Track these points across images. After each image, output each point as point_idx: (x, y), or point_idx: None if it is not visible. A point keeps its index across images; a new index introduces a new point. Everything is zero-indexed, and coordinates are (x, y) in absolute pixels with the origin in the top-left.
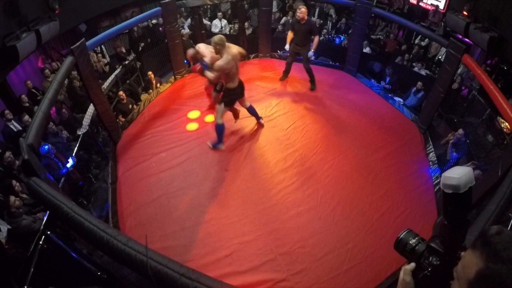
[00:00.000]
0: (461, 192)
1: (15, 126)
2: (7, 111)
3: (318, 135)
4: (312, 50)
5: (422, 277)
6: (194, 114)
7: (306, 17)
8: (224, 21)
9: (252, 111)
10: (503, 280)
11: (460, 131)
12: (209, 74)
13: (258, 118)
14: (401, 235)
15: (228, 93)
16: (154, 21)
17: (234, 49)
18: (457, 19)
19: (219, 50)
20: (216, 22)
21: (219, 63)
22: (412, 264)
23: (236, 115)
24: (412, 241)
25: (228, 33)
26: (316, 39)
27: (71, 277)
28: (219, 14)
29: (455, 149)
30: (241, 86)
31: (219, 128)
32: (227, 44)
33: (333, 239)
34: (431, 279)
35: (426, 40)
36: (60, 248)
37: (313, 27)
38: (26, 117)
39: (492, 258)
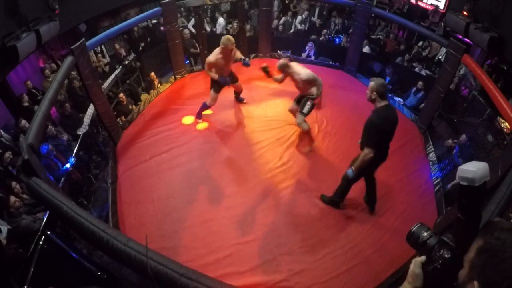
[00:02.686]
0: (476, 186)
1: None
2: None
3: (318, 136)
4: (351, 169)
5: (432, 270)
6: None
7: (373, 102)
8: (221, 19)
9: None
10: (497, 250)
11: (463, 136)
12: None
13: (199, 117)
14: (414, 228)
15: None
16: (154, 21)
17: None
18: (457, 19)
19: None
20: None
21: None
22: (423, 257)
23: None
24: (424, 235)
25: (225, 32)
26: (362, 153)
27: (71, 277)
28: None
29: (459, 153)
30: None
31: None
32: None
33: (333, 239)
34: (441, 272)
35: (427, 50)
36: (60, 248)
37: (366, 127)
38: (23, 122)
39: (490, 235)
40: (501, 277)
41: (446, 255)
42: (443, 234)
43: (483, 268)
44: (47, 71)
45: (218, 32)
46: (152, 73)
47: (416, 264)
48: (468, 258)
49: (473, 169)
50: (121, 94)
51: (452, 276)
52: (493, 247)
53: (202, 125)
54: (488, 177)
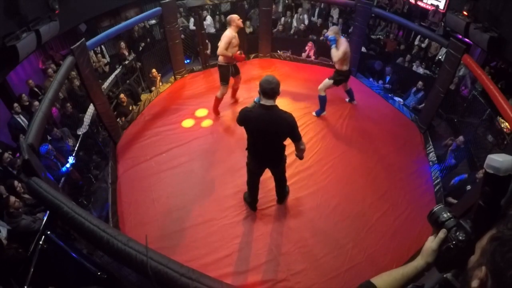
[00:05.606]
0: (501, 176)
1: (22, 120)
2: (16, 104)
3: (318, 135)
4: None
5: (445, 249)
6: (201, 112)
7: None
8: (209, 18)
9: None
10: (507, 240)
11: (461, 138)
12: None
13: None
14: (435, 209)
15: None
16: (152, 22)
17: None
18: (457, 19)
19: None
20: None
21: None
22: (443, 234)
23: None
24: (444, 216)
25: (213, 31)
26: None
27: (71, 277)
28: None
29: (454, 155)
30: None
31: (322, 99)
32: None
33: (333, 239)
34: (453, 253)
35: (426, 41)
36: (60, 248)
37: None
38: (36, 103)
39: (504, 226)
40: (507, 265)
41: (460, 237)
42: (462, 218)
43: (492, 255)
44: (50, 70)
45: (207, 31)
46: (154, 70)
47: (435, 240)
48: (480, 244)
49: (500, 159)
50: (122, 95)
51: (463, 259)
52: (505, 236)
53: (205, 123)
54: None
